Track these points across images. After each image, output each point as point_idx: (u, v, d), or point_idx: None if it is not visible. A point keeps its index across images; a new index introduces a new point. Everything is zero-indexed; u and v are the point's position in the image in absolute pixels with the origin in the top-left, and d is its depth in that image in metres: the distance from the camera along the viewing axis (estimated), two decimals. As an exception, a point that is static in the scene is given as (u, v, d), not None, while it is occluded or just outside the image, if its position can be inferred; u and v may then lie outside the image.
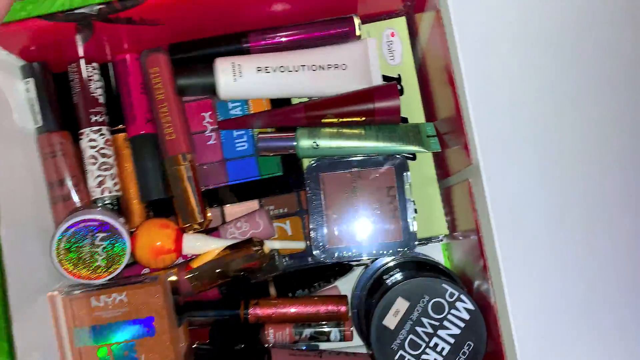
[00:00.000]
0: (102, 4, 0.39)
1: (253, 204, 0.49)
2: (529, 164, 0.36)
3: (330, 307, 0.47)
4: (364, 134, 0.45)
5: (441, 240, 0.48)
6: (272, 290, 0.48)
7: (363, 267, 0.49)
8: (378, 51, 0.47)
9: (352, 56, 0.46)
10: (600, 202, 0.37)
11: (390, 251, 0.44)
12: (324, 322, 0.47)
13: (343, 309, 0.47)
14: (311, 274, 0.48)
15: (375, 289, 0.43)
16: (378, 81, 0.45)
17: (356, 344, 0.48)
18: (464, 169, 0.38)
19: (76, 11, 0.39)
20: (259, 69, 0.44)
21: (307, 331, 0.47)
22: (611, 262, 0.36)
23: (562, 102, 0.37)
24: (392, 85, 0.44)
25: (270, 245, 0.46)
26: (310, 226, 0.45)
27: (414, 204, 0.46)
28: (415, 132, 0.45)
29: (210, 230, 0.47)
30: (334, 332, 0.47)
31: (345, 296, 0.47)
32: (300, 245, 0.47)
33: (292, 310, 0.46)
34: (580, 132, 0.38)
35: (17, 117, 0.43)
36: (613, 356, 0.36)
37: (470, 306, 0.38)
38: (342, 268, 0.48)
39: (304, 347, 0.48)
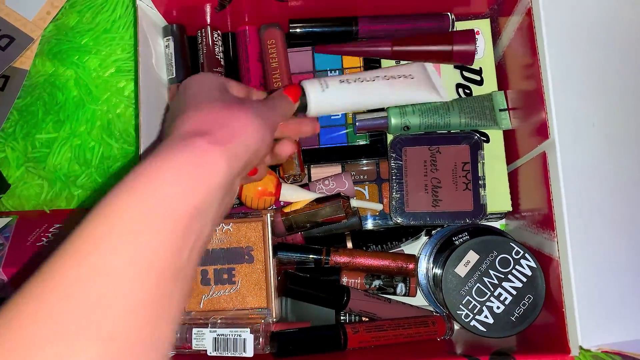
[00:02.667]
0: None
1: (337, 168, 0.56)
2: (606, 141, 0.42)
3: (400, 263, 0.53)
4: (448, 112, 0.51)
5: (503, 217, 0.54)
6: (349, 243, 0.54)
7: (427, 237, 0.55)
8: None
9: (415, 70, 0.53)
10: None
11: (461, 220, 0.51)
12: (392, 276, 0.53)
13: (411, 266, 0.53)
14: (385, 233, 0.54)
15: (444, 249, 0.49)
16: (445, 95, 0.52)
17: (418, 302, 0.54)
18: (540, 144, 0.44)
19: (225, -18, 0.47)
20: (341, 81, 0.50)
21: (376, 282, 0.53)
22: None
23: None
24: (470, 31, 0.51)
25: (353, 202, 0.53)
26: (391, 192, 0.52)
27: (484, 181, 0.52)
28: (489, 107, 0.51)
29: (301, 186, 0.54)
30: (400, 286, 0.53)
31: (414, 255, 0.53)
32: (377, 207, 0.54)
33: (366, 261, 0.53)
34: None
35: (156, 67, 0.51)
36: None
37: (532, 264, 0.44)
38: (415, 231, 0.54)
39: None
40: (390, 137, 0.54)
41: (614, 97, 0.43)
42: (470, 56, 0.51)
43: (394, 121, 0.52)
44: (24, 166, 0.56)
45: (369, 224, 0.54)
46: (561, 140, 0.42)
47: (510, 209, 0.52)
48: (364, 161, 0.55)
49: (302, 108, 0.49)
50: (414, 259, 0.53)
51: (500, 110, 0.52)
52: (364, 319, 0.52)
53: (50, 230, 0.52)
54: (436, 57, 0.52)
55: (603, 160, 0.42)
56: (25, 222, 0.54)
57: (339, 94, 0.50)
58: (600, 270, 0.41)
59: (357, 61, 0.55)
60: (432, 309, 0.53)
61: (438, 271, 0.48)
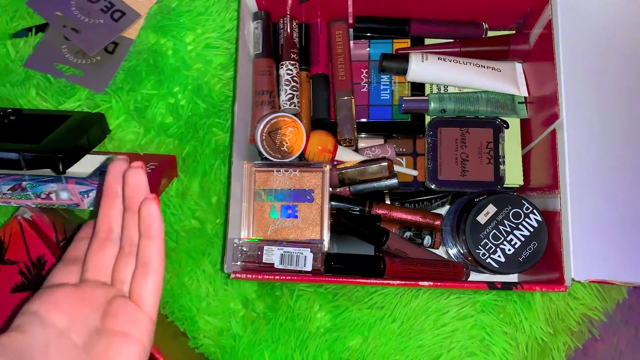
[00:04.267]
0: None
1: (380, 140, 0.68)
2: (604, 125, 0.54)
3: (429, 219, 0.64)
4: (477, 101, 0.64)
5: (514, 191, 0.66)
6: (388, 200, 0.66)
7: (449, 205, 0.67)
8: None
9: (505, 67, 0.65)
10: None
11: (483, 188, 0.62)
12: (420, 230, 0.64)
13: (438, 222, 0.64)
14: (418, 195, 0.66)
15: (467, 208, 0.61)
16: (524, 91, 0.64)
17: (441, 254, 0.65)
18: (548, 128, 0.56)
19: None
20: (440, 58, 0.63)
21: (408, 233, 0.64)
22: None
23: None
24: (524, 34, 0.64)
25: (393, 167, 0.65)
26: (427, 162, 0.63)
27: (503, 158, 0.64)
28: (511, 100, 0.64)
29: (353, 150, 0.66)
30: (427, 238, 0.64)
31: (441, 214, 0.65)
32: (413, 172, 0.66)
33: (400, 215, 0.64)
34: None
35: (248, 44, 0.64)
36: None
37: (539, 218, 0.56)
38: (443, 195, 0.65)
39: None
40: (428, 119, 0.66)
41: (615, 94, 0.55)
42: (523, 54, 0.64)
43: (433, 105, 0.64)
44: (125, 114, 0.68)
45: (405, 189, 0.66)
46: (568, 120, 0.54)
47: (522, 182, 0.64)
48: (404, 136, 0.67)
49: (403, 71, 0.63)
50: (440, 217, 0.65)
51: (519, 102, 0.65)
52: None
53: (147, 166, 0.63)
54: (496, 56, 0.65)
55: (600, 138, 0.54)
56: (125, 159, 0.65)
57: (435, 68, 0.62)
58: (592, 222, 0.52)
59: (406, 44, 0.67)
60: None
61: (461, 224, 0.59)
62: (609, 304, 0.67)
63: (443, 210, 0.68)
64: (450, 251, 0.63)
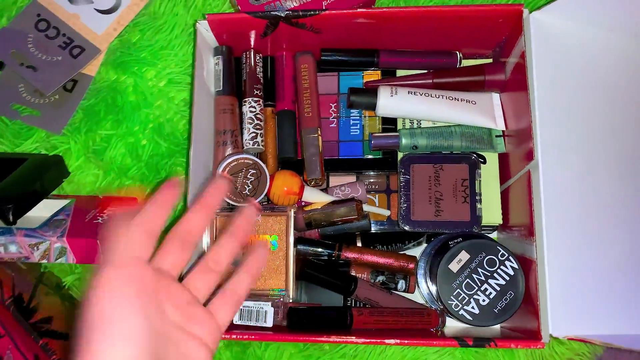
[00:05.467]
0: (289, 10, 0.56)
1: (352, 178, 0.64)
2: (581, 166, 0.50)
3: (402, 262, 0.61)
4: (451, 136, 0.60)
5: (494, 230, 0.62)
6: (359, 242, 0.62)
7: (426, 244, 0.63)
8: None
9: (480, 99, 0.61)
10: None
11: (459, 229, 0.58)
12: (394, 274, 0.61)
13: (411, 265, 0.61)
14: (391, 236, 0.62)
15: (441, 251, 0.57)
16: (501, 125, 0.60)
17: (416, 299, 0.62)
18: (526, 165, 0.52)
19: (272, 12, 0.56)
20: (410, 92, 0.60)
21: (380, 277, 0.60)
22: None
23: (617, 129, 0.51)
24: (500, 63, 0.60)
25: (364, 207, 0.61)
26: (399, 202, 0.60)
27: (480, 196, 0.60)
28: (487, 134, 0.60)
29: (321, 190, 0.62)
30: (401, 282, 0.61)
31: (415, 257, 0.61)
32: (385, 212, 0.62)
33: (372, 258, 0.61)
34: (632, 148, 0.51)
35: (207, 80, 0.61)
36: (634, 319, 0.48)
37: (515, 265, 0.52)
38: (417, 235, 0.62)
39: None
40: (400, 155, 0.62)
41: (591, 129, 0.51)
42: (500, 84, 0.60)
43: (404, 141, 0.60)
44: (84, 156, 0.65)
45: (377, 229, 0.62)
46: (544, 161, 0.50)
47: (501, 221, 0.60)
48: (376, 173, 0.64)
49: (372, 106, 0.60)
50: (414, 259, 0.61)
51: (497, 136, 0.61)
52: (367, 306, 0.59)
53: (104, 212, 0.60)
54: (471, 87, 0.61)
55: (578, 180, 0.50)
56: (82, 203, 0.62)
57: (405, 102, 0.59)
58: (571, 273, 0.49)
59: (377, 76, 0.64)
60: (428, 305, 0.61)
61: (434, 268, 0.56)
62: (598, 348, 0.63)
63: (419, 250, 0.64)
64: (426, 295, 0.60)
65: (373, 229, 0.62)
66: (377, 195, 0.64)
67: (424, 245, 0.64)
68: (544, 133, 0.51)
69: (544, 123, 0.52)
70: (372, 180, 0.64)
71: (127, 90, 0.66)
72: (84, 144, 0.65)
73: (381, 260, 0.61)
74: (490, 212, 0.60)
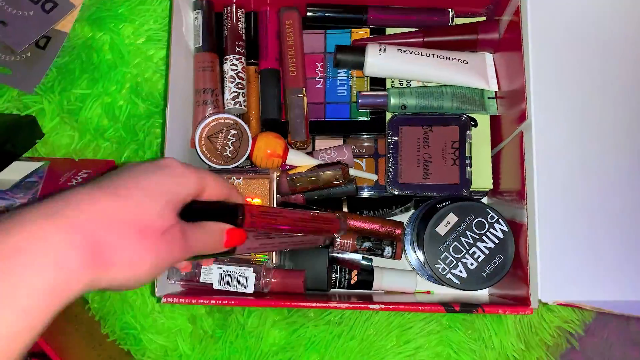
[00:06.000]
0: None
1: (338, 141, 0.62)
2: (576, 128, 0.48)
3: (389, 228, 0.59)
4: (442, 96, 0.58)
5: (485, 195, 0.60)
6: (345, 208, 0.60)
7: (413, 210, 0.61)
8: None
9: (473, 59, 0.58)
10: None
11: (448, 192, 0.56)
12: (380, 240, 0.59)
13: (398, 231, 0.59)
14: (378, 201, 0.60)
15: (429, 216, 0.55)
16: (494, 85, 0.58)
17: (403, 266, 0.60)
18: (518, 127, 0.50)
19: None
20: (399, 50, 0.57)
21: (366, 244, 0.59)
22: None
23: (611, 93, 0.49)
24: (493, 22, 0.57)
25: (351, 171, 0.59)
26: (387, 165, 0.58)
27: (470, 159, 0.58)
28: (479, 95, 0.58)
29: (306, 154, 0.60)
30: (387, 249, 0.59)
31: (402, 222, 0.59)
32: (373, 177, 0.60)
33: (358, 224, 0.59)
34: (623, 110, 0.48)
35: (186, 36, 0.57)
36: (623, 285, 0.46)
37: (504, 228, 0.50)
38: (405, 200, 0.60)
39: (361, 259, 0.59)
40: (389, 116, 0.60)
41: (587, 90, 0.49)
42: (493, 44, 0.57)
43: (392, 101, 0.58)
44: (58, 117, 0.62)
45: (364, 194, 0.60)
46: (537, 122, 0.48)
47: (492, 186, 0.58)
48: (364, 136, 0.61)
49: (359, 65, 0.57)
50: (401, 225, 0.59)
51: (489, 97, 0.58)
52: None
53: (79, 174, 0.58)
54: (463, 46, 0.58)
55: (572, 142, 0.48)
56: (56, 166, 0.60)
57: (393, 61, 0.56)
58: (561, 238, 0.47)
59: (365, 34, 0.61)
60: (416, 272, 0.59)
61: (422, 233, 0.54)
62: (586, 316, 0.62)
63: (406, 217, 0.62)
64: (413, 262, 0.58)
65: (359, 194, 0.60)
66: (364, 160, 0.62)
67: (412, 211, 0.62)
68: (537, 93, 0.49)
69: (538, 83, 0.49)
70: (359, 144, 0.62)
71: (103, 48, 0.63)
72: (58, 103, 0.62)
73: (367, 225, 0.59)
74: (481, 177, 0.58)
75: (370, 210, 0.60)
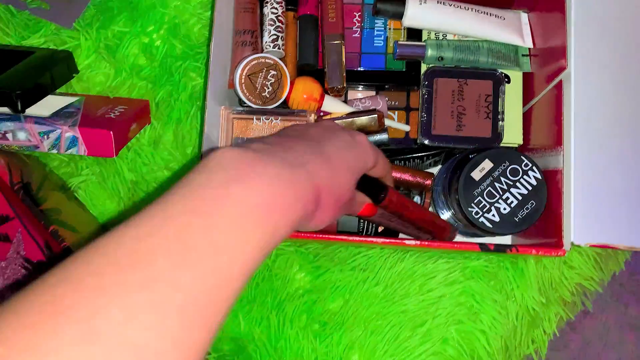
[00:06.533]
0: None
1: (371, 92, 0.63)
2: (614, 79, 0.49)
3: (419, 179, 0.60)
4: (478, 50, 0.59)
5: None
6: (377, 156, 0.61)
7: (441, 165, 0.62)
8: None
9: (509, 16, 0.59)
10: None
11: (480, 144, 0.57)
12: (410, 189, 0.60)
13: (428, 182, 0.60)
14: (408, 152, 0.61)
15: (461, 165, 0.56)
16: (529, 42, 0.59)
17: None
18: (550, 84, 0.51)
19: None
20: (439, 1, 0.58)
21: (397, 192, 0.60)
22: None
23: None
24: None
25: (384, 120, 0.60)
26: (420, 115, 0.59)
27: (503, 114, 0.59)
28: (514, 52, 0.59)
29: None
30: (417, 198, 0.60)
31: (432, 173, 0.60)
32: (405, 127, 0.61)
33: (390, 172, 0.59)
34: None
35: (229, -23, 0.58)
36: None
37: (538, 176, 0.51)
38: (437, 151, 0.61)
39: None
40: (424, 68, 0.60)
41: (625, 43, 0.50)
42: (531, 3, 0.58)
43: (430, 52, 0.59)
44: (95, 54, 0.62)
45: (396, 146, 0.61)
46: (576, 72, 0.49)
47: (521, 142, 0.59)
48: (396, 89, 0.62)
49: (398, 15, 0.58)
50: (432, 176, 0.60)
51: (523, 55, 0.59)
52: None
53: (116, 109, 0.58)
54: (499, 3, 0.59)
55: (611, 92, 0.49)
56: (92, 101, 0.60)
57: (433, 12, 0.57)
58: (596, 182, 0.48)
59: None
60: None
61: (454, 182, 0.55)
62: (605, 275, 0.63)
63: (435, 170, 0.63)
64: (441, 214, 0.59)
65: (391, 145, 0.61)
66: (396, 112, 0.63)
67: (440, 166, 0.63)
68: (578, 48, 0.50)
69: (578, 39, 0.50)
70: (392, 96, 0.63)
71: (142, -12, 0.63)
72: (96, 40, 0.62)
73: (398, 175, 0.60)
74: (511, 131, 0.59)
75: (401, 161, 0.61)
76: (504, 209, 0.51)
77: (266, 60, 0.55)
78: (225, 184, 0.27)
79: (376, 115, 0.57)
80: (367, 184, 0.42)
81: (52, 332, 0.21)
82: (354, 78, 0.61)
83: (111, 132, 0.53)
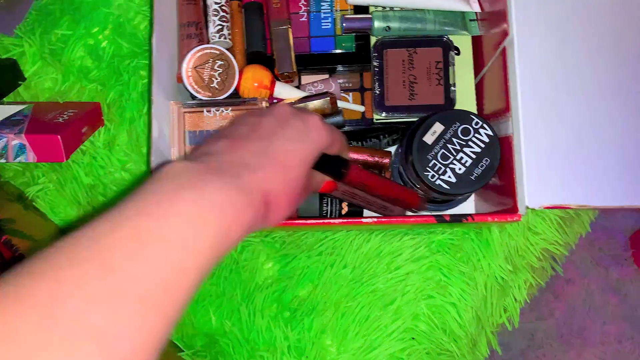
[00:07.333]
0: None
1: (324, 76, 0.62)
2: (558, 43, 0.49)
3: (377, 158, 0.60)
4: (424, 18, 0.58)
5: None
6: (333, 139, 0.61)
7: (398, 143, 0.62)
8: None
9: None
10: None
11: (433, 112, 0.57)
12: (369, 168, 0.60)
13: (387, 160, 0.60)
14: (365, 133, 0.61)
15: (414, 134, 0.56)
16: (476, 7, 0.58)
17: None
18: (500, 45, 0.51)
19: None
20: None
21: (356, 173, 0.59)
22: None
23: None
24: None
25: (338, 103, 0.59)
26: (373, 88, 0.58)
27: (455, 86, 0.59)
28: (461, 18, 0.59)
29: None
30: (377, 178, 0.60)
31: (390, 152, 0.60)
32: (360, 108, 0.61)
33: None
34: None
35: (167, -30, 0.57)
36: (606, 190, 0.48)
37: (489, 132, 0.51)
38: (393, 130, 0.61)
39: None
40: (373, 41, 0.60)
41: (569, 7, 0.50)
42: None
43: (377, 23, 0.58)
44: (40, 60, 0.61)
45: (352, 127, 0.61)
46: (519, 37, 0.49)
47: (475, 110, 0.59)
48: (349, 69, 0.62)
49: None
50: (389, 154, 0.60)
51: (470, 20, 0.59)
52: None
53: (65, 113, 0.57)
54: None
55: (556, 56, 0.49)
56: (42, 107, 0.59)
57: None
58: (546, 146, 0.48)
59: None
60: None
61: (409, 149, 0.54)
62: (571, 238, 0.63)
63: (393, 150, 0.63)
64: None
65: (347, 127, 0.61)
66: (350, 94, 0.62)
67: (397, 145, 0.63)
68: (519, 12, 0.50)
69: (520, 3, 0.50)
70: (344, 78, 0.62)
71: (83, -11, 0.62)
72: (39, 46, 0.61)
73: (356, 155, 0.59)
74: (465, 101, 0.59)
75: (358, 141, 0.61)
76: (459, 169, 0.51)
77: (212, 51, 0.55)
78: (176, 190, 0.29)
79: (328, 98, 0.57)
80: (327, 163, 0.43)
81: (11, 318, 0.22)
82: (305, 62, 0.61)
83: (59, 137, 0.52)
